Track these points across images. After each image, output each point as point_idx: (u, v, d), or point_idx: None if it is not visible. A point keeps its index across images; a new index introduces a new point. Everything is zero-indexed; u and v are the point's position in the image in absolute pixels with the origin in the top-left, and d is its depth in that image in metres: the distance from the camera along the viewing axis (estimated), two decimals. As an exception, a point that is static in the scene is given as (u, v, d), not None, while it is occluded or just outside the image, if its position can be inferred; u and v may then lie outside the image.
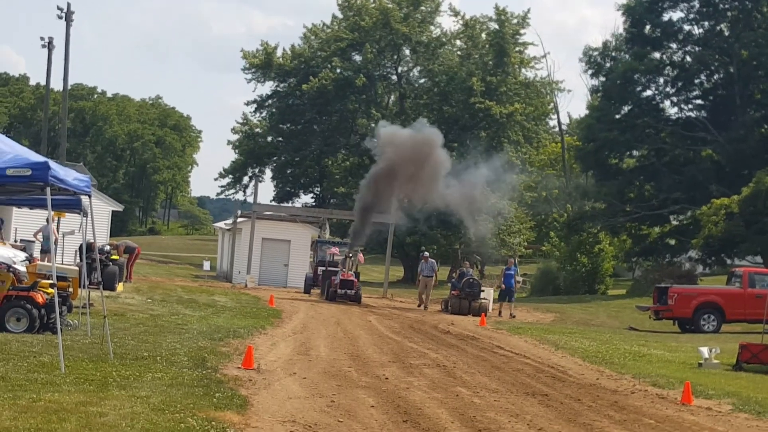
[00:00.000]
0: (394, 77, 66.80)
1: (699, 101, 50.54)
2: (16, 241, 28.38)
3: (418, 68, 66.02)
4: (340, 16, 65.99)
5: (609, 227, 47.35)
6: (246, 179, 68.90)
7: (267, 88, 68.96)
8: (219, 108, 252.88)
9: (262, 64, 65.94)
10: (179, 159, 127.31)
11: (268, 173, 70.57)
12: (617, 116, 48.40)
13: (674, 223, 48.58)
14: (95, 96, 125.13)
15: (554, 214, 59.95)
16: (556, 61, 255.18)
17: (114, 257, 28.01)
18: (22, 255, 21.04)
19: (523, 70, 61.77)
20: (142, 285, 31.91)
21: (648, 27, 49.33)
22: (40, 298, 15.79)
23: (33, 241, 28.08)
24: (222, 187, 70.43)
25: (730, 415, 12.48)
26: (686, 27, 49.56)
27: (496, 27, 59.99)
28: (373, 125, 52.25)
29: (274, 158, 68.44)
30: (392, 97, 67.72)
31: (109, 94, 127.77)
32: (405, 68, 66.88)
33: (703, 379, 15.74)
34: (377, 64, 64.46)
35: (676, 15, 49.70)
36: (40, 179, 11.89)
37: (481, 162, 38.49)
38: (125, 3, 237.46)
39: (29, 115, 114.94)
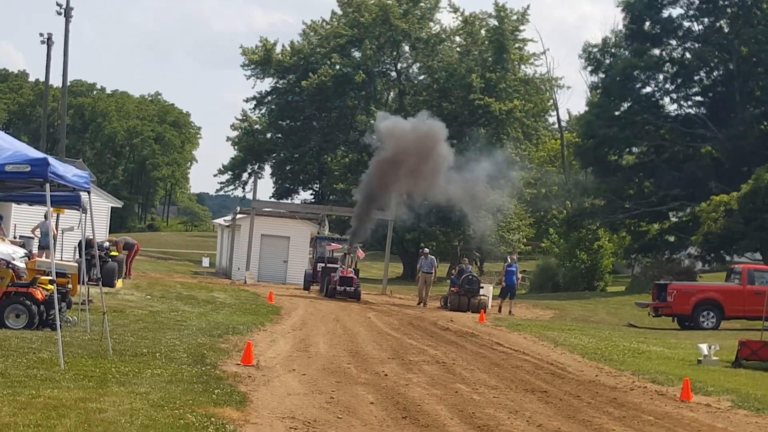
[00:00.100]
0: (394, 74, 66.77)
1: (698, 98, 50.56)
2: (15, 238, 28.35)
3: (418, 65, 66.02)
4: (340, 12, 65.98)
5: (608, 224, 47.36)
6: (245, 176, 68.89)
7: (266, 84, 69.16)
8: (218, 104, 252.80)
9: (261, 61, 65.89)
10: (178, 155, 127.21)
11: (268, 170, 70.66)
12: (617, 113, 48.42)
13: (673, 219, 48.61)
14: (94, 92, 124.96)
15: (554, 211, 59.97)
16: (556, 57, 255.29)
17: (113, 254, 27.97)
18: (22, 251, 21.01)
19: (522, 66, 61.76)
20: (142, 281, 31.88)
21: (648, 23, 49.32)
22: (39, 294, 15.78)
23: (32, 238, 28.05)
24: (221, 183, 70.46)
25: (729, 411, 12.48)
26: (686, 23, 49.62)
27: (496, 23, 59.97)
28: (372, 122, 52.20)
29: (274, 155, 68.42)
30: (392, 94, 67.68)
31: (108, 91, 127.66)
32: (404, 65, 66.87)
33: (703, 375, 15.75)
34: (376, 60, 64.42)
35: (675, 11, 49.77)
36: (40, 175, 11.89)
37: (482, 157, 38.24)
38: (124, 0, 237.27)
39: (28, 112, 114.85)
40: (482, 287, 33.43)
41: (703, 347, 18.10)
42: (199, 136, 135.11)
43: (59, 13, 46.79)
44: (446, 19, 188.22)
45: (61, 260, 20.90)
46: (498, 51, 59.06)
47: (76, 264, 18.44)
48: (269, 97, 68.05)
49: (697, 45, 48.77)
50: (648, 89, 49.61)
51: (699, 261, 45.59)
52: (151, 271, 42.68)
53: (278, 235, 45.44)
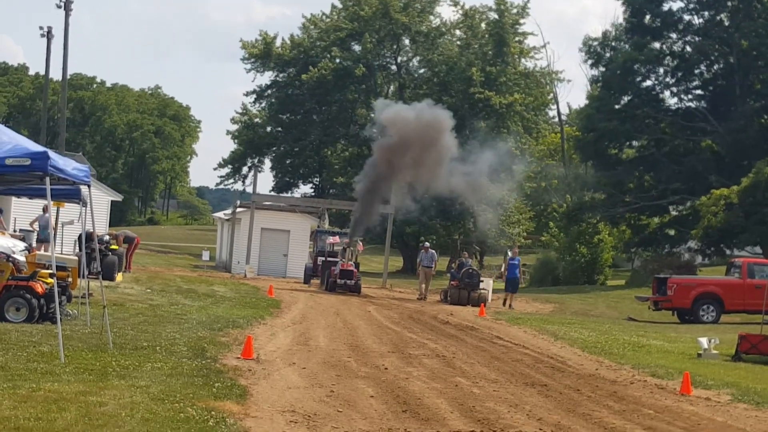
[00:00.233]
0: (394, 67, 66.74)
1: (699, 91, 50.48)
2: (15, 231, 28.35)
3: (418, 58, 65.99)
4: (340, 5, 65.94)
5: (608, 217, 47.34)
6: (245, 169, 68.93)
7: (266, 78, 69.02)
8: (218, 98, 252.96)
9: (261, 54, 65.87)
10: (178, 149, 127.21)
11: (268, 163, 70.72)
12: (617, 106, 48.35)
13: (674, 213, 48.58)
14: (94, 86, 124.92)
15: (554, 205, 59.92)
16: (556, 51, 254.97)
17: (113, 247, 27.99)
18: (22, 245, 21.02)
19: (522, 60, 61.68)
20: (142, 275, 31.90)
21: (648, 17, 49.24)
22: (39, 287, 15.79)
23: (32, 231, 28.05)
24: (221, 177, 70.55)
25: (729, 405, 12.50)
26: (686, 17, 49.50)
27: (496, 17, 59.87)
28: (372, 115, 52.16)
29: (274, 148, 68.43)
30: (392, 87, 67.66)
31: (108, 84, 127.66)
32: (404, 58, 66.85)
33: (702, 369, 15.76)
34: (377, 54, 64.39)
35: (676, 5, 49.89)
36: (40, 169, 11.88)
37: (484, 150, 37.93)
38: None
39: (28, 105, 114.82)
40: (482, 281, 33.45)
41: (703, 341, 18.12)
42: (199, 129, 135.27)
43: (59, 6, 46.71)
44: (446, 12, 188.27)
45: (62, 254, 20.89)
46: (498, 44, 58.98)
47: (77, 257, 18.43)
48: (269, 91, 68.06)
49: (697, 38, 48.69)
50: (648, 83, 49.58)
51: (699, 255, 45.61)
52: (151, 265, 42.71)
53: (278, 228, 45.47)
